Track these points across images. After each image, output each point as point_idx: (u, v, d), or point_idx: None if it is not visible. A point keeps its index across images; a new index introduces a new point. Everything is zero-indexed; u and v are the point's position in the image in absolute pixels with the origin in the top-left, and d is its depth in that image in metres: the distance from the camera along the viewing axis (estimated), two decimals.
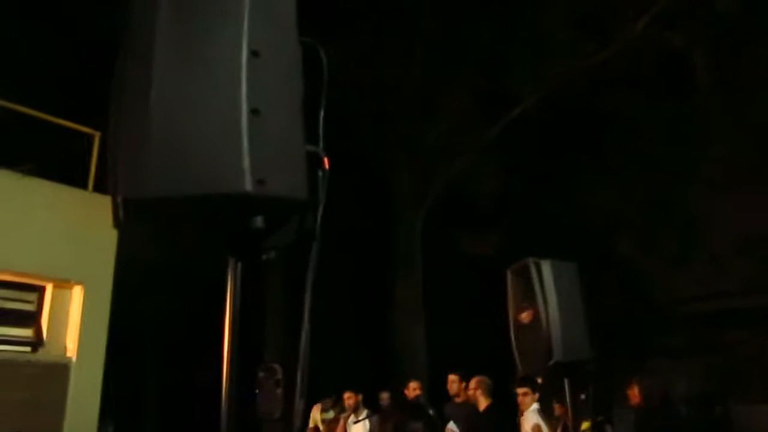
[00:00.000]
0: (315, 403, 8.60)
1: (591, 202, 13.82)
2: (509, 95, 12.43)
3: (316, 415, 8.54)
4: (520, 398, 6.06)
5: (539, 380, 6.58)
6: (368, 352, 14.43)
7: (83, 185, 6.81)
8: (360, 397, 8.10)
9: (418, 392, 7.50)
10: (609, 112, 12.95)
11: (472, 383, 6.89)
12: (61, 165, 6.80)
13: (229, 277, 1.53)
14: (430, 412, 7.13)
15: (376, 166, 13.67)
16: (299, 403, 1.47)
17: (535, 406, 5.98)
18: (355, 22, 12.75)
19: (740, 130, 12.19)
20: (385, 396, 8.36)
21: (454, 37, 12.53)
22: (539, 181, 14.20)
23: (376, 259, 13.96)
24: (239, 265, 1.53)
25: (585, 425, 6.40)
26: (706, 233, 13.50)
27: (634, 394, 6.17)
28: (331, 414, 8.45)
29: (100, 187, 6.54)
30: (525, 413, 5.98)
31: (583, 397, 4.12)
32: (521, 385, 6.07)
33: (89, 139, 7.03)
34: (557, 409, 7.15)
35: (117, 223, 1.41)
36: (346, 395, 8.06)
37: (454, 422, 6.88)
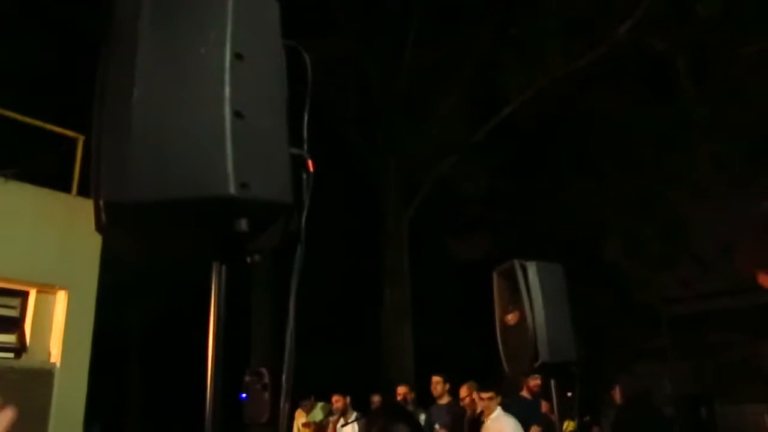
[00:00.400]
0: (296, 407, 8.57)
1: (578, 205, 13.90)
2: (496, 97, 12.50)
3: (298, 421, 8.52)
4: (485, 403, 5.90)
5: (532, 381, 6.54)
6: (356, 355, 14.42)
7: (67, 189, 6.76)
8: (348, 399, 8.07)
9: (406, 397, 7.48)
10: (596, 115, 13.05)
11: (464, 390, 6.84)
12: (45, 169, 6.74)
13: (214, 280, 1.52)
14: (422, 416, 7.12)
15: (364, 169, 13.68)
16: (284, 407, 1.46)
17: (499, 410, 5.89)
18: (344, 24, 12.77)
19: (724, 134, 12.32)
20: (376, 399, 8.34)
21: (443, 40, 12.58)
22: (526, 185, 14.27)
23: (364, 262, 13.96)
24: (223, 268, 1.52)
25: (570, 425, 6.40)
26: (691, 235, 13.63)
27: (617, 395, 6.22)
28: (319, 416, 8.42)
29: (84, 191, 6.49)
30: (490, 418, 5.86)
31: (569, 394, 4.14)
32: (485, 390, 5.94)
33: (73, 142, 6.98)
34: (543, 406, 7.17)
35: (99, 226, 1.40)
36: (335, 398, 8.04)
37: (439, 424, 6.87)
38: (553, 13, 11.50)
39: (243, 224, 1.40)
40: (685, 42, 11.58)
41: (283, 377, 1.43)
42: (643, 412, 6.18)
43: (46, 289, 6.36)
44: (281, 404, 1.44)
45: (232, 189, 1.34)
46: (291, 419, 8.44)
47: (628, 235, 14.46)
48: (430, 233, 14.52)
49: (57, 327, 6.33)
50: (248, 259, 1.55)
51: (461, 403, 6.89)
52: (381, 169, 13.15)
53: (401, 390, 7.71)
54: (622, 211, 14.12)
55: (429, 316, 13.64)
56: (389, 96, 12.91)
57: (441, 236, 15.53)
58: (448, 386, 7.13)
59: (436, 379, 7.18)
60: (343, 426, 7.92)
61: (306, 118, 1.64)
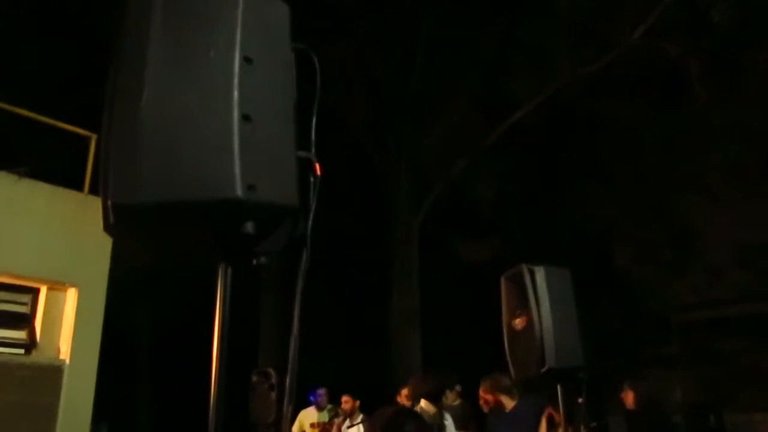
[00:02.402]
0: (304, 407, 8.55)
1: (588, 210, 13.85)
2: (507, 102, 12.48)
3: (303, 418, 8.49)
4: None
5: None
6: (365, 359, 14.41)
7: (79, 188, 6.81)
8: (357, 402, 8.04)
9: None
10: (607, 121, 13.00)
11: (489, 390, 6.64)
12: (57, 167, 6.80)
13: (220, 282, 1.53)
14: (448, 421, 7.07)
15: (374, 172, 13.69)
16: (288, 408, 1.47)
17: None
18: (355, 27, 12.80)
19: (736, 140, 12.24)
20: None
21: (454, 43, 12.58)
22: (537, 189, 14.23)
23: (373, 265, 13.97)
24: (230, 269, 1.53)
25: None
26: (701, 242, 13.55)
27: (629, 398, 6.14)
28: (325, 417, 8.40)
29: (95, 190, 6.53)
30: None
31: (580, 400, 4.12)
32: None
33: (85, 141, 7.03)
34: (556, 417, 7.10)
35: (107, 227, 1.42)
36: (344, 399, 8.01)
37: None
38: (564, 18, 11.47)
39: (249, 226, 1.41)
40: (697, 47, 11.51)
41: (287, 380, 1.44)
42: (654, 419, 6.12)
43: (57, 286, 6.42)
44: (284, 407, 1.45)
45: (239, 191, 1.35)
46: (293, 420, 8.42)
47: (639, 241, 14.39)
48: (439, 237, 14.51)
49: (67, 324, 6.38)
50: (254, 261, 1.55)
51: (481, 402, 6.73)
52: (391, 172, 13.15)
53: (405, 392, 7.62)
54: (633, 217, 14.07)
55: (438, 319, 13.62)
56: (400, 100, 12.92)
57: (451, 240, 15.51)
58: (459, 389, 7.12)
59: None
60: (348, 428, 7.90)
61: (314, 121, 1.65)
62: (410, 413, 3.04)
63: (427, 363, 12.04)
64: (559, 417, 6.54)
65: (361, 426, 7.82)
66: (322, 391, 8.50)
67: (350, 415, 7.94)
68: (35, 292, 6.31)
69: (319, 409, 8.47)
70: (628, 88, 12.49)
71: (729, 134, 12.12)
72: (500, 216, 14.33)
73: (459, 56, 12.62)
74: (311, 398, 8.52)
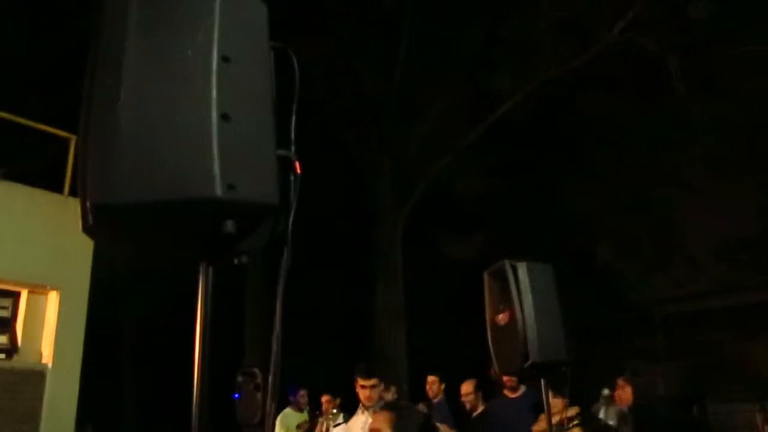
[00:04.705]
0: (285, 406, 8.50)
1: (571, 206, 13.96)
2: (490, 98, 12.53)
3: (288, 421, 8.44)
4: None
5: None
6: (350, 356, 14.42)
7: (59, 189, 6.74)
8: (338, 401, 8.01)
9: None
10: (588, 116, 13.10)
11: (468, 386, 6.71)
12: (37, 169, 6.73)
13: (201, 281, 1.52)
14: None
15: (358, 170, 13.68)
16: (271, 408, 1.47)
17: None
18: (338, 25, 12.78)
19: (715, 135, 12.39)
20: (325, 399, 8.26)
21: (437, 40, 12.61)
22: (520, 186, 14.31)
23: (358, 262, 13.97)
24: (210, 269, 1.53)
25: (572, 411, 6.34)
26: (682, 236, 13.71)
27: (626, 393, 6.11)
28: (306, 416, 8.36)
29: (75, 192, 6.47)
30: None
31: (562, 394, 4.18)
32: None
33: (65, 142, 6.96)
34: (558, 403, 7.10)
35: (86, 228, 1.41)
36: (324, 398, 7.99)
37: (437, 421, 6.85)
38: (545, 14, 11.54)
39: (230, 226, 1.41)
40: (676, 43, 11.64)
41: (270, 379, 1.44)
42: (664, 413, 6.13)
43: (38, 289, 6.35)
44: (267, 406, 1.45)
45: (219, 191, 1.35)
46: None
47: (621, 235, 14.53)
48: (424, 234, 14.54)
49: (49, 328, 6.32)
50: (235, 261, 1.55)
51: (463, 400, 6.80)
52: (375, 170, 13.15)
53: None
54: (615, 211, 14.19)
55: (422, 316, 13.66)
56: (383, 97, 12.92)
57: (435, 237, 15.56)
58: (443, 386, 7.14)
59: (432, 378, 7.18)
60: (334, 426, 7.87)
61: (294, 119, 1.65)
62: (409, 407, 3.05)
63: (412, 359, 12.06)
64: (561, 403, 6.56)
65: (343, 425, 7.77)
66: (303, 392, 8.46)
67: (332, 414, 7.90)
68: (16, 295, 6.23)
69: (299, 410, 8.42)
70: (609, 84, 12.60)
71: (708, 128, 12.26)
72: (484, 212, 14.41)
73: (442, 52, 12.65)
74: (290, 398, 8.46)
